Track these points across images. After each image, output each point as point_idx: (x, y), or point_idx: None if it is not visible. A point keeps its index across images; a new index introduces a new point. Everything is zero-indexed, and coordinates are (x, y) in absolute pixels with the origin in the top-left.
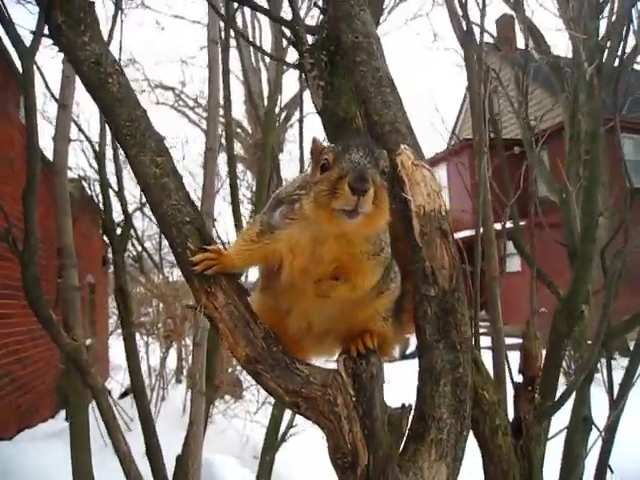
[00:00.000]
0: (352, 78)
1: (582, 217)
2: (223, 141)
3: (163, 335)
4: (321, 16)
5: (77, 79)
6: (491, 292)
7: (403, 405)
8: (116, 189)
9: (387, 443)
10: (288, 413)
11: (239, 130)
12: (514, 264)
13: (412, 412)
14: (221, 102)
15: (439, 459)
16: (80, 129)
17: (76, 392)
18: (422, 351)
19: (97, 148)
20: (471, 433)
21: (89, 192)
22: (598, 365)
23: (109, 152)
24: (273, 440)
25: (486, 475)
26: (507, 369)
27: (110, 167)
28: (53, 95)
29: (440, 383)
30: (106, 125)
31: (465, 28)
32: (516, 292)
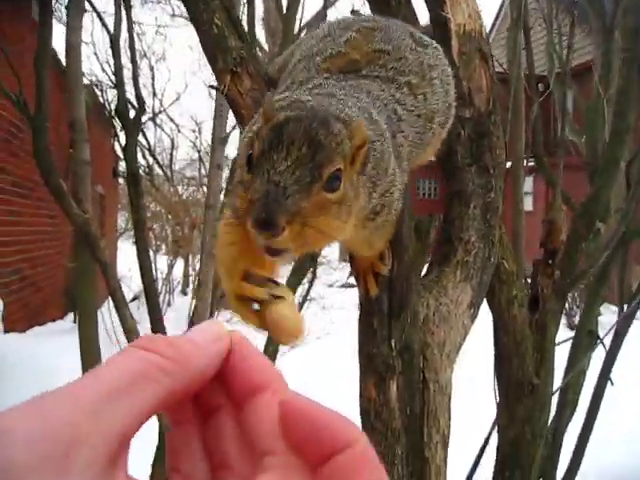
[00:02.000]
0: None
1: (613, 118)
2: None
3: (171, 241)
4: None
5: None
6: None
7: (430, 214)
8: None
9: (413, 250)
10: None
11: (257, 49)
12: (526, 204)
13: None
14: None
15: (464, 280)
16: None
17: (84, 296)
18: (452, 174)
19: (110, 28)
20: (485, 304)
21: (102, 100)
22: None
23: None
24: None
25: (496, 346)
26: None
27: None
28: None
29: (470, 206)
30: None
31: None
32: (528, 232)
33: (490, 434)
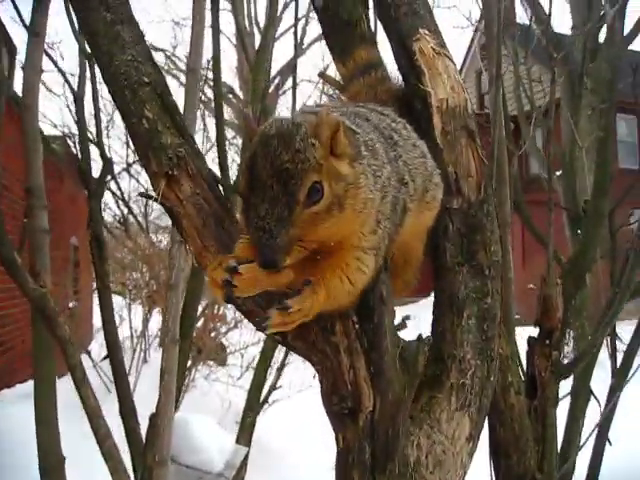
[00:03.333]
0: None
1: (596, 169)
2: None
3: (146, 296)
4: None
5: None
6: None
7: (420, 337)
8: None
9: (399, 384)
10: (271, 375)
11: (230, 95)
12: None
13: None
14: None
15: (460, 408)
16: (52, 59)
17: (41, 369)
18: (440, 276)
19: (72, 84)
20: None
21: (75, 151)
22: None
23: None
24: (255, 401)
25: (493, 439)
26: None
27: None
28: (23, 21)
29: (463, 315)
30: (86, 62)
31: None
32: None
33: None
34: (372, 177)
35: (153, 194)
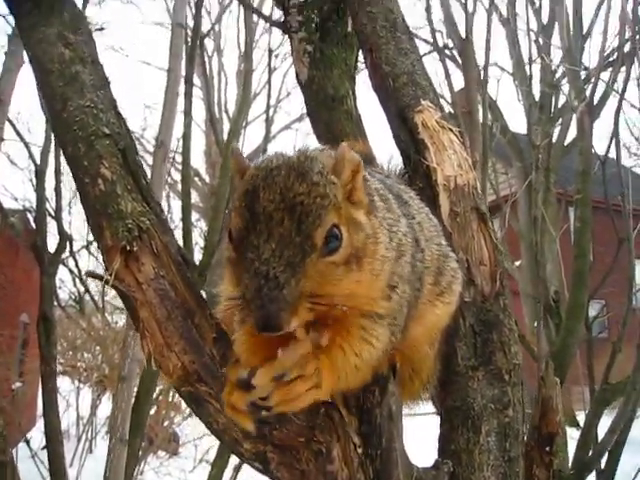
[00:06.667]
0: (356, 23)
1: (574, 260)
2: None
3: (95, 380)
4: None
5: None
6: None
7: (437, 462)
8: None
9: None
10: (230, 470)
11: (195, 178)
12: None
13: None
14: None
15: None
16: (15, 129)
17: None
18: (450, 383)
19: (35, 158)
20: None
21: (34, 225)
22: None
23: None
24: None
25: None
26: None
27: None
28: None
29: (481, 431)
30: (52, 137)
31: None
32: None
33: None
34: (388, 232)
35: (104, 274)
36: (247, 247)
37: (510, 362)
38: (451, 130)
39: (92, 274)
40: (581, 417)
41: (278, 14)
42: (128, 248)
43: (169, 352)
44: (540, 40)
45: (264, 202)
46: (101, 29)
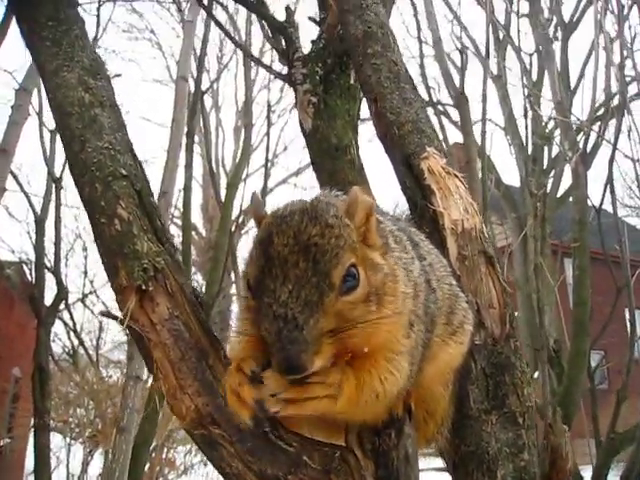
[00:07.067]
0: (360, 74)
1: (574, 308)
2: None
3: (88, 436)
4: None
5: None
6: None
7: None
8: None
9: None
10: None
11: (192, 232)
12: None
13: None
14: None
15: None
16: (17, 180)
17: None
18: (463, 427)
19: (35, 208)
20: None
21: (30, 278)
22: None
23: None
24: None
25: None
26: None
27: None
28: None
29: (497, 476)
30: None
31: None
32: None
33: None
34: (404, 271)
35: (118, 314)
36: (264, 292)
37: (523, 404)
38: (456, 176)
39: (107, 314)
40: (585, 473)
41: (279, 67)
42: (143, 287)
43: (182, 394)
44: (531, 96)
45: (278, 247)
46: (118, 75)
